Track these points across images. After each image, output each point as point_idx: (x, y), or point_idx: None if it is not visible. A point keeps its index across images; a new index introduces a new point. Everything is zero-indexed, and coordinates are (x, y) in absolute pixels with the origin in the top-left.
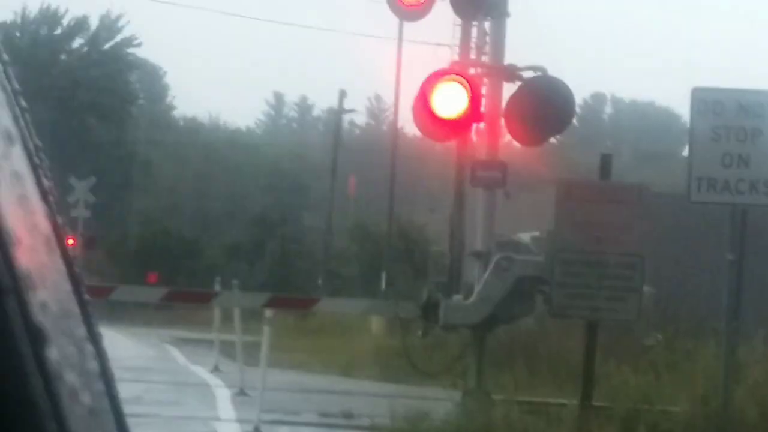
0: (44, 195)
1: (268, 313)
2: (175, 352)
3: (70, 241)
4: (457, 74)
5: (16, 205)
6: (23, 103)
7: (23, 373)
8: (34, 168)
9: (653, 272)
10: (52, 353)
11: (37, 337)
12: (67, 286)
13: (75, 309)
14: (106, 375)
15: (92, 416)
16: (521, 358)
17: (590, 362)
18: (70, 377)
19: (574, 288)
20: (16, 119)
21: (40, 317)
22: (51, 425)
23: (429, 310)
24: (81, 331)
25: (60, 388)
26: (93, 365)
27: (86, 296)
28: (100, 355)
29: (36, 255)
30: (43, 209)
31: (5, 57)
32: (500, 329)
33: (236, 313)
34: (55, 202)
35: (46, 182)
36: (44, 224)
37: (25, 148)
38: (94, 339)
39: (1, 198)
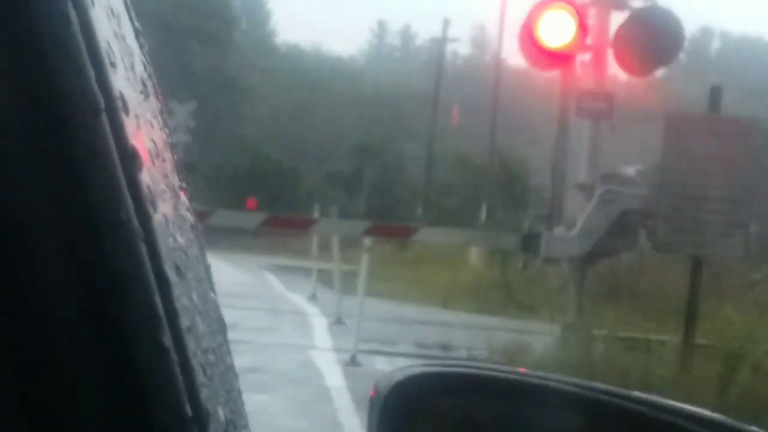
0: (142, 45)
1: (367, 241)
2: (273, 279)
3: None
4: (564, 2)
5: (111, 37)
6: None
7: (117, 193)
8: (136, 33)
9: (760, 210)
10: (145, 183)
11: (130, 158)
12: (161, 134)
13: (170, 158)
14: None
15: (183, 254)
16: (622, 293)
17: (694, 299)
18: (162, 208)
19: (679, 223)
20: None
21: (133, 140)
22: (140, 245)
23: (530, 242)
24: (175, 180)
25: (153, 215)
26: (187, 216)
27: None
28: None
29: (129, 85)
30: (141, 58)
31: None
32: (602, 263)
33: (334, 242)
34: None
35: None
36: (141, 70)
37: (129, 12)
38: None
39: (95, 19)
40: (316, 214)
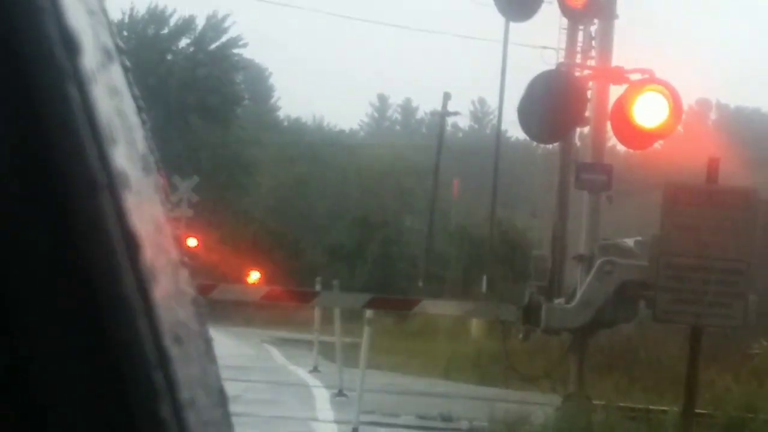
0: (144, 122)
1: (369, 313)
2: (275, 352)
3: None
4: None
5: (113, 114)
6: (127, 63)
7: (118, 269)
8: (138, 110)
9: (759, 279)
10: (146, 258)
11: (131, 239)
12: (162, 209)
13: (170, 233)
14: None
15: (183, 327)
16: (622, 363)
17: (694, 368)
18: (163, 283)
19: (678, 293)
20: (118, 48)
21: (134, 220)
22: (139, 319)
23: (530, 314)
24: (176, 255)
25: (153, 290)
26: (187, 290)
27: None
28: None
29: (131, 162)
30: (142, 134)
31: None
32: (601, 334)
33: (336, 314)
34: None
35: (147, 129)
36: (142, 146)
37: (131, 90)
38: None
39: (96, 97)
40: (317, 287)
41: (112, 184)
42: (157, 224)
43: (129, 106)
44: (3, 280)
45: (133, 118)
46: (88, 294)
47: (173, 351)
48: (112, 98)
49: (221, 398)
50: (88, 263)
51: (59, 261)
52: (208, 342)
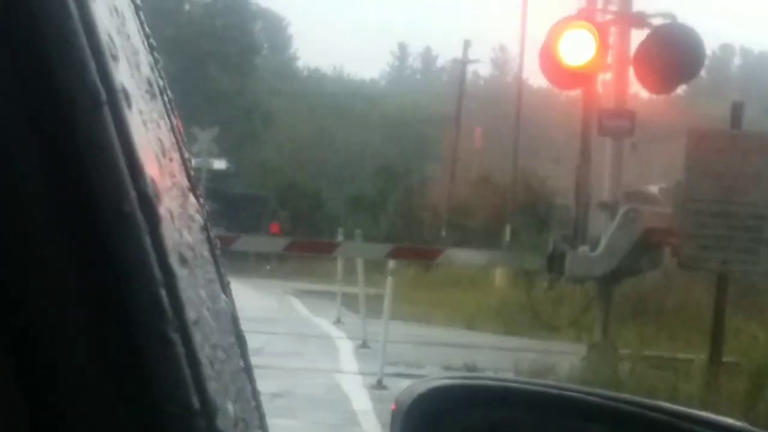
0: (156, 60)
1: (392, 264)
2: (298, 304)
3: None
4: (585, 21)
5: (114, 32)
6: (138, 0)
7: (120, 185)
8: (151, 48)
9: None
10: (149, 176)
11: (132, 156)
12: (169, 136)
13: (178, 159)
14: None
15: (190, 250)
16: (648, 312)
17: (720, 316)
18: (168, 203)
19: (703, 240)
20: None
21: (136, 138)
22: (144, 236)
23: (554, 262)
24: (184, 181)
25: (157, 208)
26: (196, 216)
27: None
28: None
29: (133, 82)
30: (149, 59)
31: None
32: (626, 282)
33: (359, 265)
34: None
35: (156, 56)
36: (146, 69)
37: (142, 27)
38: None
39: (96, 13)
40: (339, 238)
41: (112, 99)
42: (162, 148)
43: (133, 31)
44: (2, 198)
45: (137, 42)
46: (89, 210)
47: (178, 271)
48: (112, 17)
49: (233, 326)
50: (89, 179)
51: (58, 176)
52: (219, 271)
